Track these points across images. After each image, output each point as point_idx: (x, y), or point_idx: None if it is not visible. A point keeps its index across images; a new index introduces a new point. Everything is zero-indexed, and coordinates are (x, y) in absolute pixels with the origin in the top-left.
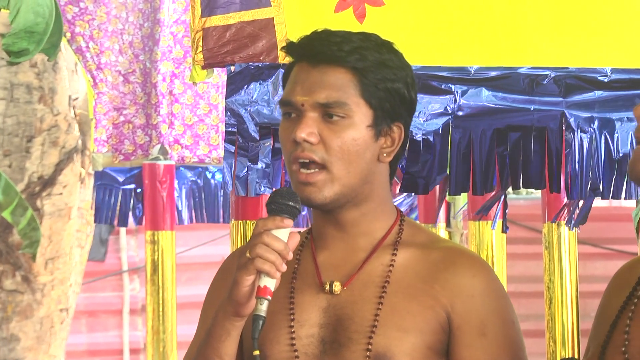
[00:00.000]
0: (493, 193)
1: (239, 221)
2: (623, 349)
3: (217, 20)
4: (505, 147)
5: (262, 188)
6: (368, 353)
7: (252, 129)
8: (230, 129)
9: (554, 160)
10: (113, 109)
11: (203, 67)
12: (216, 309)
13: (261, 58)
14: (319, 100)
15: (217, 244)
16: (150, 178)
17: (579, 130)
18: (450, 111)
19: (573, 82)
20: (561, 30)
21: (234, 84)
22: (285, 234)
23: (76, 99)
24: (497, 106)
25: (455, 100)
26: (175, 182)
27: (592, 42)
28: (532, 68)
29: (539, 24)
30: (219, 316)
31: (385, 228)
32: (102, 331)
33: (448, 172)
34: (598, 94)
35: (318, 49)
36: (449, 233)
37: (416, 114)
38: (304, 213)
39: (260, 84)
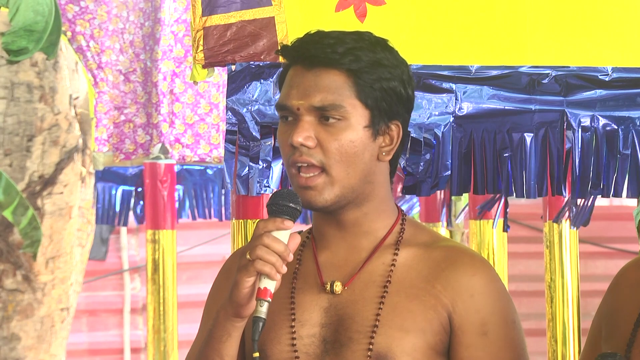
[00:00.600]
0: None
1: (240, 220)
2: None
3: (217, 19)
4: (506, 146)
5: (263, 187)
6: (369, 353)
7: (253, 128)
8: (231, 128)
9: (555, 160)
10: (114, 108)
11: (204, 66)
12: (217, 309)
13: (262, 57)
14: (314, 104)
15: (217, 243)
16: (151, 177)
17: (580, 129)
18: (451, 110)
19: (574, 81)
20: (562, 29)
21: (235, 83)
22: (285, 236)
23: (77, 98)
24: (498, 105)
25: (456, 100)
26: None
27: (593, 41)
28: (533, 67)
29: (540, 23)
30: (219, 317)
31: (386, 227)
32: (102, 330)
33: (449, 172)
34: (599, 92)
35: (312, 52)
36: (450, 232)
37: (417, 113)
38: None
39: (261, 83)
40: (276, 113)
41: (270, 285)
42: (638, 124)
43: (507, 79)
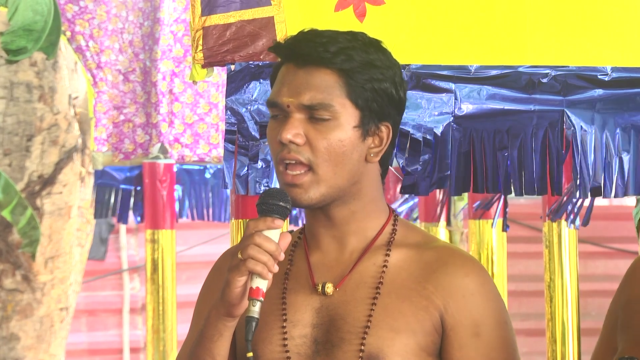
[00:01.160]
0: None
1: (239, 220)
2: None
3: (217, 19)
4: (505, 146)
5: (262, 187)
6: (361, 354)
7: (252, 128)
8: (230, 128)
9: (554, 160)
10: (113, 108)
11: (203, 66)
12: (208, 309)
13: (261, 57)
14: (304, 102)
15: (217, 242)
16: (150, 177)
17: (579, 129)
18: (450, 110)
19: (573, 81)
20: (561, 29)
21: (234, 83)
22: (276, 235)
23: (76, 97)
24: (498, 105)
25: (456, 100)
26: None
27: (593, 40)
28: (533, 67)
29: (539, 22)
30: (211, 317)
31: (377, 227)
32: (102, 330)
33: (449, 172)
34: (598, 92)
35: (304, 51)
36: (450, 232)
37: (416, 113)
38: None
39: (260, 82)
40: None
41: (262, 284)
42: (637, 123)
43: (506, 79)
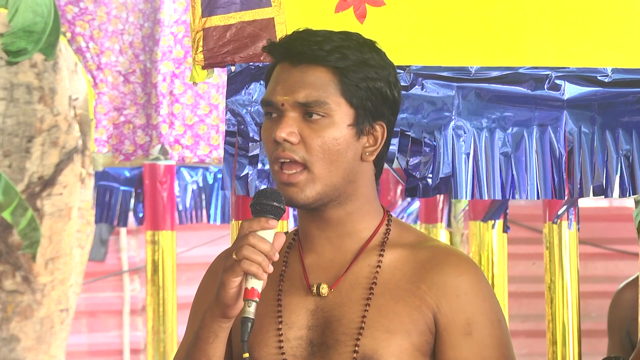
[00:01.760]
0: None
1: (240, 221)
2: None
3: (217, 20)
4: (506, 148)
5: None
6: (355, 355)
7: (253, 129)
8: (230, 129)
9: (555, 162)
10: (113, 109)
11: (203, 67)
12: (204, 310)
13: (262, 58)
14: (299, 100)
15: (217, 244)
16: (150, 178)
17: (580, 130)
18: (451, 111)
19: (574, 82)
20: (562, 31)
21: (235, 84)
22: (270, 235)
23: (76, 99)
24: (498, 106)
25: (456, 101)
26: (176, 182)
27: (593, 42)
28: (533, 68)
29: (540, 24)
30: (206, 318)
31: (371, 228)
32: (102, 331)
33: (451, 173)
34: (599, 93)
35: (299, 49)
36: (450, 233)
37: (417, 114)
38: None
39: (260, 84)
40: None
41: (257, 285)
42: (638, 124)
43: (507, 80)
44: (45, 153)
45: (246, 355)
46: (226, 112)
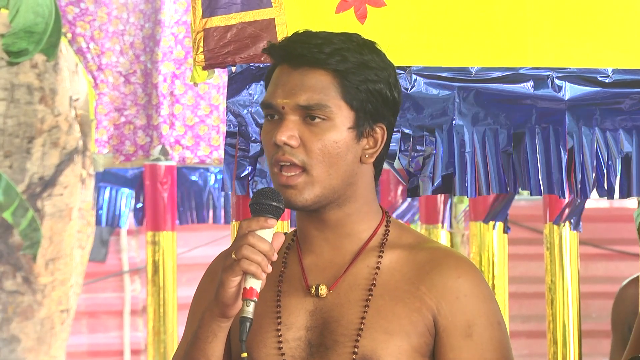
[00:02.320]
0: (495, 195)
1: (240, 222)
2: None
3: (218, 20)
4: (507, 148)
5: None
6: (354, 356)
7: (253, 130)
8: (231, 130)
9: (556, 162)
10: (114, 110)
11: (204, 68)
12: (203, 310)
13: (262, 59)
14: (300, 103)
15: (218, 244)
16: (151, 179)
17: (581, 131)
18: (452, 112)
19: (574, 82)
20: (562, 31)
21: (235, 85)
22: (269, 235)
23: (77, 99)
24: (499, 107)
25: (457, 101)
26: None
27: (594, 42)
28: (534, 69)
29: (540, 24)
30: (205, 318)
31: (370, 229)
32: (102, 332)
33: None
34: (599, 94)
35: (299, 52)
36: (450, 234)
37: (418, 115)
38: None
39: (261, 84)
40: None
41: (256, 284)
42: (638, 125)
43: (507, 81)
44: (46, 154)
45: (244, 354)
46: (227, 113)
